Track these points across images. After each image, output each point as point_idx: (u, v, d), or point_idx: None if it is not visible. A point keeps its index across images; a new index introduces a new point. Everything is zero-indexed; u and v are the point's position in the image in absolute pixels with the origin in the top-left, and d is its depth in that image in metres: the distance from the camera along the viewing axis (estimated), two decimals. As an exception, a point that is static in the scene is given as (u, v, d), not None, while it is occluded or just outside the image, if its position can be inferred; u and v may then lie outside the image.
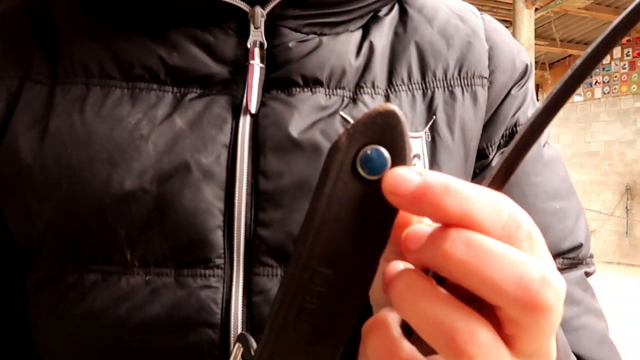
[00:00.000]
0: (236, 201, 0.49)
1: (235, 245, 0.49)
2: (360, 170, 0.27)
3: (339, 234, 0.27)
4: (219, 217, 0.49)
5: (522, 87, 0.60)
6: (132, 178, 0.48)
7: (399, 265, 0.29)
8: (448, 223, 0.26)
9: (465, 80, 0.56)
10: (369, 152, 0.27)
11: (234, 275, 0.49)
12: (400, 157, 0.27)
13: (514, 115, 0.59)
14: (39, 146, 0.50)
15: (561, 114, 9.49)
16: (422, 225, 0.29)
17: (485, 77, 0.57)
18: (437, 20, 0.59)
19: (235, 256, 0.49)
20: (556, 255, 0.56)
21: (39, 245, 0.50)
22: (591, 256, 0.59)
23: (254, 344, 0.37)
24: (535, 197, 0.57)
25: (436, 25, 0.58)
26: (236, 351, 0.39)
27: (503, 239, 0.26)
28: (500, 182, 0.28)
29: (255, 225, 0.49)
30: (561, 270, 0.56)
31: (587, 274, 0.59)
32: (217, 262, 0.48)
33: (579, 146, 9.36)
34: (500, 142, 0.58)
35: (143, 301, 0.48)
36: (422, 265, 0.28)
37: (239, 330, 0.49)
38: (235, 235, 0.49)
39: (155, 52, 0.52)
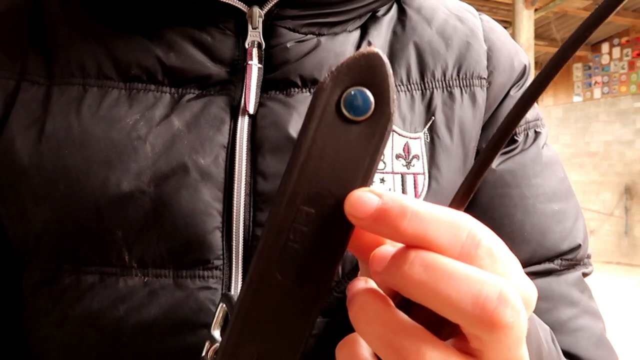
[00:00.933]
0: (235, 202, 0.49)
1: (234, 247, 0.49)
2: (344, 111, 0.28)
3: (322, 172, 0.28)
4: (217, 218, 0.48)
5: (520, 88, 0.60)
6: (129, 179, 0.48)
7: (358, 284, 0.29)
8: (407, 244, 0.27)
9: (464, 81, 0.56)
10: (352, 93, 0.27)
11: (233, 276, 0.49)
12: (383, 99, 0.28)
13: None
14: (36, 147, 0.49)
15: (560, 114, 9.49)
16: (389, 247, 0.29)
17: (484, 78, 0.57)
18: (436, 21, 0.59)
19: (234, 257, 0.49)
20: (555, 257, 0.56)
21: (36, 246, 0.50)
22: (589, 257, 0.59)
23: None
24: (534, 199, 0.56)
25: (435, 26, 0.58)
26: (219, 310, 0.40)
27: (462, 258, 0.26)
28: (461, 200, 0.28)
29: (254, 226, 0.49)
30: (559, 271, 0.56)
31: (585, 275, 0.59)
32: (215, 264, 0.48)
33: (578, 146, 9.36)
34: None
35: (141, 302, 0.48)
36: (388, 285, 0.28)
37: None
38: (233, 236, 0.49)
39: (153, 52, 0.51)
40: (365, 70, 0.28)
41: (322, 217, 0.28)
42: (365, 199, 0.27)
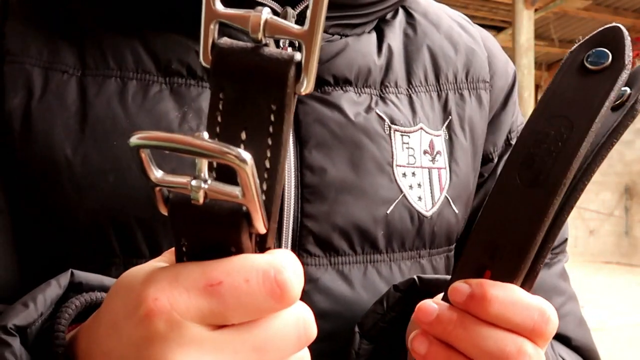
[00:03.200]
0: (286, 194, 0.51)
1: (283, 237, 0.51)
2: (586, 64, 0.38)
3: (564, 104, 0.38)
4: None
5: (513, 93, 0.65)
6: (184, 168, 0.48)
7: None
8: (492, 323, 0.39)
9: (472, 84, 0.61)
10: (594, 50, 0.38)
11: None
12: (619, 53, 0.37)
13: (511, 121, 0.64)
14: (79, 138, 0.49)
15: (560, 114, 9.49)
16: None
17: (487, 82, 0.62)
18: (442, 26, 0.63)
19: (283, 246, 0.51)
20: None
21: (84, 238, 0.49)
22: (565, 241, 0.65)
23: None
24: None
25: (442, 31, 0.62)
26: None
27: (534, 335, 0.39)
28: (530, 283, 0.40)
29: (302, 216, 0.51)
30: (548, 264, 0.62)
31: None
32: None
33: (578, 146, 9.35)
34: (502, 148, 0.63)
35: None
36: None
37: None
38: (284, 226, 0.51)
39: (192, 48, 0.52)
40: (606, 35, 0.38)
41: (558, 136, 0.37)
42: (459, 287, 0.39)
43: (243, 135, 0.28)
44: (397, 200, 0.54)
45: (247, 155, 0.25)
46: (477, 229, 0.40)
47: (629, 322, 5.13)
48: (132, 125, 0.49)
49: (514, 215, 0.37)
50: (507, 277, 0.38)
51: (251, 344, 0.28)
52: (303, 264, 0.50)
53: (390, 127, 0.55)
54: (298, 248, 0.51)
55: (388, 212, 0.53)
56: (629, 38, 0.37)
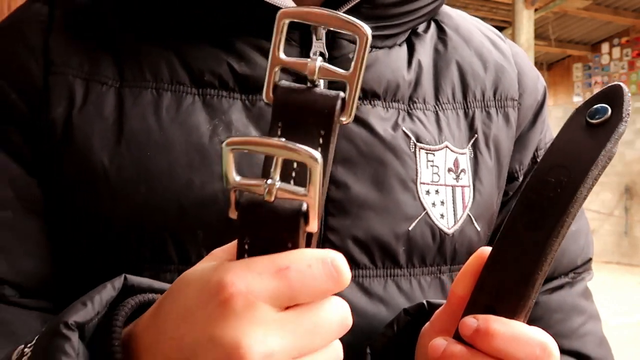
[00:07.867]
0: None
1: None
2: (588, 118, 0.41)
3: (566, 153, 0.40)
4: None
5: (543, 110, 0.65)
6: (213, 182, 0.50)
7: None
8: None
9: (499, 102, 0.61)
10: (596, 106, 0.41)
11: None
12: (618, 109, 0.40)
13: (539, 139, 0.64)
14: (115, 148, 0.51)
15: (561, 114, 9.50)
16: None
17: (516, 99, 0.62)
18: (473, 42, 0.63)
19: None
20: (570, 271, 0.62)
21: (115, 246, 0.51)
22: (589, 260, 0.64)
23: None
24: None
25: (473, 47, 0.62)
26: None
27: None
28: (525, 315, 0.41)
29: (325, 230, 0.52)
30: (571, 283, 0.62)
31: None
32: None
33: (578, 146, 9.35)
34: (528, 166, 0.63)
35: None
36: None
37: None
38: None
39: (225, 60, 0.53)
40: (608, 93, 0.41)
41: (557, 184, 0.40)
42: (467, 321, 0.41)
43: None
44: (419, 217, 0.55)
45: (318, 155, 0.30)
46: (484, 270, 0.42)
47: (629, 321, 5.13)
48: (164, 138, 0.51)
49: (516, 257, 0.40)
50: (510, 314, 0.41)
51: (305, 328, 0.32)
52: None
53: (415, 145, 0.55)
54: None
55: (410, 228, 0.54)
56: (629, 94, 0.41)
